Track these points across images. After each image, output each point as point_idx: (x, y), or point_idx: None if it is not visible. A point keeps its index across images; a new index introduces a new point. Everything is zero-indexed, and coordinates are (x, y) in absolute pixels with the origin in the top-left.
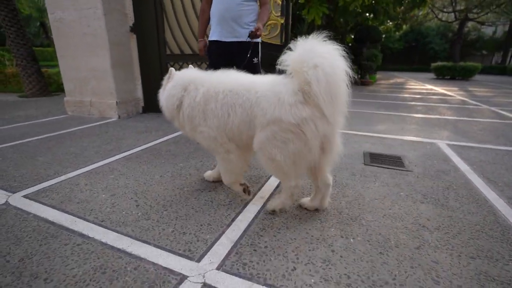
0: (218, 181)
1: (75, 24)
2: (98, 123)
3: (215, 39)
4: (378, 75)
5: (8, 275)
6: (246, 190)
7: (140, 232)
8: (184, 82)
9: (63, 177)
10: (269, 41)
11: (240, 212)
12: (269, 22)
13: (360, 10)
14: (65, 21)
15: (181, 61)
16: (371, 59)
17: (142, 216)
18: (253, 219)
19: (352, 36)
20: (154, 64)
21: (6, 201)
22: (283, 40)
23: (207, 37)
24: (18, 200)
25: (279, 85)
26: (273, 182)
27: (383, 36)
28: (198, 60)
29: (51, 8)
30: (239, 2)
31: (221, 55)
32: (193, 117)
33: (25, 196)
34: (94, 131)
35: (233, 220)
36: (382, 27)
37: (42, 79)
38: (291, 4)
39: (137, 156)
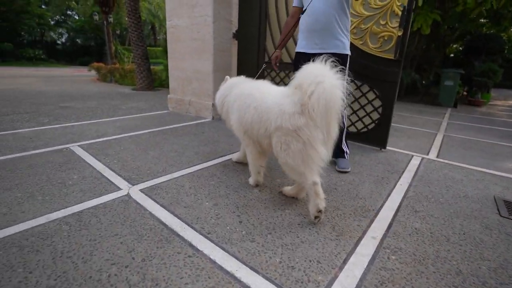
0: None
1: (187, 30)
2: (194, 122)
3: (301, 51)
4: (492, 93)
5: (135, 274)
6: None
7: (247, 255)
8: (231, 86)
9: (169, 176)
10: (380, 55)
11: (351, 253)
12: (382, 34)
13: (483, 16)
14: (179, 27)
15: (278, 69)
16: (487, 75)
17: (246, 236)
18: (368, 266)
19: (459, 47)
20: (251, 70)
21: (128, 192)
22: (397, 55)
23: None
24: (136, 193)
25: (284, 97)
26: (384, 216)
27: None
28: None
29: (169, 16)
30: (328, 13)
31: None
32: (229, 109)
33: (141, 190)
34: (192, 130)
35: (344, 262)
36: (503, 34)
37: (151, 75)
38: (412, 15)
39: (233, 164)
